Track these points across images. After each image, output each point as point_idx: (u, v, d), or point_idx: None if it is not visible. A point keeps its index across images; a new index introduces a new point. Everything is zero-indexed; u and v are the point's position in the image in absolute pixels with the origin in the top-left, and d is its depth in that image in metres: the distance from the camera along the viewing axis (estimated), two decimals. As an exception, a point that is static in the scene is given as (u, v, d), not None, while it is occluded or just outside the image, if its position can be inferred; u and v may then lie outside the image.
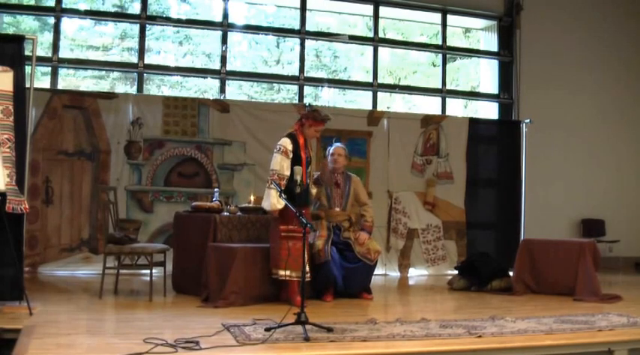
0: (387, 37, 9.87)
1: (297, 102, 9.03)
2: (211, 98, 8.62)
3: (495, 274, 6.92)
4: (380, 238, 8.26)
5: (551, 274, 6.66)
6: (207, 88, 9.28)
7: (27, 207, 4.85)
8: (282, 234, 5.51)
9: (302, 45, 9.21)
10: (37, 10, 8.55)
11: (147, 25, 8.59)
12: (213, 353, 3.63)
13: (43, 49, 8.21)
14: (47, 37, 8.40)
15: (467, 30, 10.65)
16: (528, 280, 6.78)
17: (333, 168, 6.24)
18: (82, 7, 8.52)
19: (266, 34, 9.38)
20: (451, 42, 10.07)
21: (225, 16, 8.81)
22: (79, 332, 4.14)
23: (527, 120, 8.94)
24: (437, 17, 9.91)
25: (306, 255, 4.54)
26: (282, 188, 5.24)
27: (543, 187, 9.57)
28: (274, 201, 5.41)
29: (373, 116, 8.88)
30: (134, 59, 8.56)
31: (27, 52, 5.48)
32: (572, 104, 10.04)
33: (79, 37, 8.75)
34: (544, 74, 9.93)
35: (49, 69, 8.18)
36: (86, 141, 7.72)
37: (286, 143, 5.57)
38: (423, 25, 10.34)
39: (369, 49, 9.66)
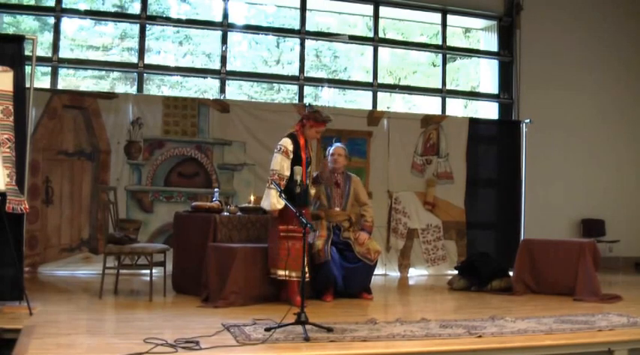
0: (387, 37, 9.87)
1: (297, 102, 9.03)
2: (211, 98, 8.62)
3: (495, 274, 6.92)
4: (380, 238, 8.26)
5: (551, 274, 6.66)
6: (207, 88, 9.29)
7: (27, 207, 4.85)
8: (281, 234, 5.51)
9: (302, 45, 9.21)
10: (37, 10, 8.55)
11: (147, 25, 8.59)
12: (213, 353, 3.63)
13: (43, 49, 8.21)
14: (47, 37, 8.40)
15: (467, 30, 10.65)
16: (528, 280, 6.78)
17: (333, 168, 6.24)
18: (82, 7, 8.52)
19: (266, 34, 9.38)
20: (451, 42, 10.07)
21: (225, 16, 8.81)
22: (79, 332, 4.14)
23: (527, 120, 8.95)
24: (437, 17, 9.91)
25: (305, 255, 4.55)
26: (282, 188, 5.24)
27: (543, 187, 9.57)
28: (274, 200, 5.41)
29: (373, 116, 8.88)
30: (134, 59, 8.56)
31: (27, 52, 5.49)
32: (572, 104, 10.04)
33: (79, 37, 8.75)
34: (544, 74, 9.93)
35: (49, 69, 8.18)
36: (86, 141, 7.72)
37: (287, 143, 5.57)
38: (423, 25, 10.34)
39: (369, 49, 9.66)
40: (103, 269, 5.76)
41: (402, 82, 10.28)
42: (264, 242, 5.79)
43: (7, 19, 8.51)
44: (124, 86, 8.95)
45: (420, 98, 10.19)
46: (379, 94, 9.62)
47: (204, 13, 9.09)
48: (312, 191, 5.96)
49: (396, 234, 8.70)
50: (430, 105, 10.01)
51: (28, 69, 5.41)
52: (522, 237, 8.39)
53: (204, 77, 9.16)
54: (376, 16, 9.56)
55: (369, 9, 9.59)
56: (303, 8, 9.17)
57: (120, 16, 8.74)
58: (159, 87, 9.12)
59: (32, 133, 6.07)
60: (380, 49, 9.61)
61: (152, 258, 5.73)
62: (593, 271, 6.44)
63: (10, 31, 8.44)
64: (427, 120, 9.12)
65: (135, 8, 8.67)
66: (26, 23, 8.75)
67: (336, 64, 10.15)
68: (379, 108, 9.41)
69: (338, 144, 6.35)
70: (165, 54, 9.07)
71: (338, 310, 5.39)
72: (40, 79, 8.04)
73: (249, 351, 3.76)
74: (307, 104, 8.47)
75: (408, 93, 10.16)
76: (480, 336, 4.21)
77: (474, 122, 9.36)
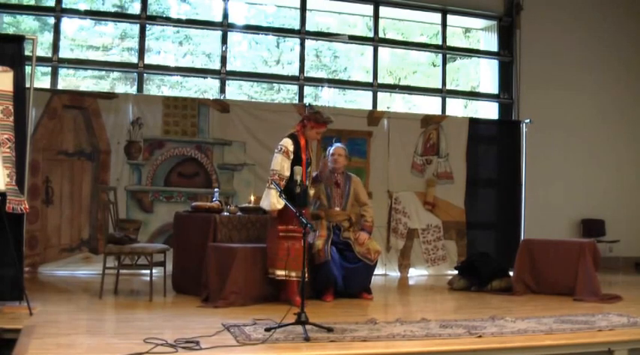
0: (387, 37, 9.87)
1: (297, 102, 9.03)
2: (211, 98, 8.62)
3: (495, 274, 6.92)
4: (380, 238, 8.25)
5: (551, 274, 6.66)
6: (207, 88, 9.29)
7: (27, 207, 4.85)
8: (280, 234, 5.51)
9: (302, 45, 9.21)
10: (37, 10, 8.55)
11: (147, 25, 8.59)
12: (213, 353, 3.63)
13: (43, 49, 8.21)
14: (47, 37, 8.40)
15: (467, 30, 10.65)
16: (528, 280, 6.78)
17: (333, 168, 6.24)
18: (82, 7, 8.52)
19: (266, 34, 9.38)
20: (451, 42, 10.07)
21: (225, 16, 8.81)
22: (79, 332, 4.14)
23: (527, 120, 8.95)
24: (437, 17, 9.91)
25: (305, 255, 4.55)
26: (282, 188, 5.24)
27: (543, 187, 9.56)
28: (274, 200, 5.41)
29: (373, 116, 8.88)
30: (134, 59, 8.56)
31: (27, 52, 5.48)
32: (572, 104, 10.04)
33: (79, 37, 8.75)
34: (544, 74, 9.93)
35: (49, 69, 8.18)
36: (86, 141, 7.72)
37: (287, 144, 5.57)
38: (423, 25, 10.34)
39: (369, 49, 9.66)
40: (103, 269, 5.76)
41: (402, 82, 10.28)
42: (264, 242, 5.78)
43: (7, 19, 8.51)
44: (124, 86, 8.95)
45: (420, 98, 10.19)
46: (379, 94, 9.62)
47: (204, 13, 9.09)
48: (311, 191, 5.96)
49: (396, 234, 8.70)
50: (430, 105, 10.01)
51: (28, 69, 5.41)
52: (522, 237, 8.40)
53: (204, 77, 9.16)
54: (376, 16, 9.56)
55: (369, 9, 9.58)
56: (303, 8, 9.17)
57: (120, 16, 8.74)
58: (159, 87, 9.12)
59: (32, 133, 6.07)
60: (380, 49, 9.61)
61: (152, 258, 5.73)
62: (593, 271, 6.44)
63: (10, 31, 8.44)
64: (427, 120, 9.12)
65: (135, 8, 8.67)
66: (26, 23, 8.75)
67: (336, 64, 10.15)
68: (379, 108, 9.41)
69: (338, 145, 6.35)
70: (166, 54, 9.07)
71: (338, 310, 5.39)
72: (40, 79, 8.04)
73: (249, 351, 3.76)
74: (307, 104, 8.48)
75: (408, 93, 10.16)
76: (480, 336, 4.21)
77: (473, 122, 9.36)
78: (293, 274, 5.47)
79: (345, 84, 9.91)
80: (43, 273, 7.28)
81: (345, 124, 8.32)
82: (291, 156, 5.54)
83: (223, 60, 8.80)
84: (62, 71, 8.42)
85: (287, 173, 5.50)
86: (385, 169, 8.79)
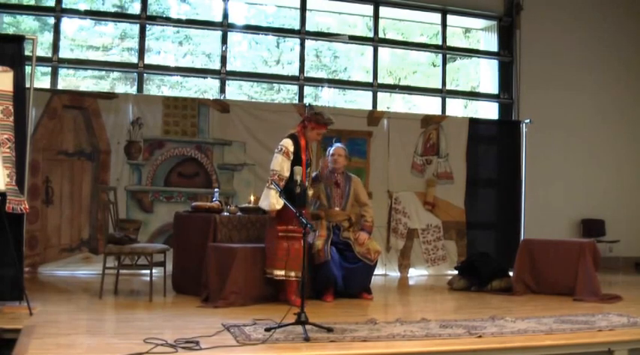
0: (387, 37, 9.87)
1: (297, 102, 9.03)
2: (211, 98, 8.62)
3: (495, 274, 6.92)
4: (380, 238, 8.25)
5: (551, 274, 6.66)
6: (207, 88, 9.29)
7: (27, 207, 4.85)
8: (279, 234, 5.51)
9: (302, 45, 9.21)
10: (37, 10, 8.55)
11: (147, 25, 8.59)
12: (213, 353, 3.63)
13: (43, 49, 8.21)
14: (47, 37, 8.40)
15: (467, 30, 10.65)
16: (528, 280, 6.78)
17: (333, 168, 6.25)
18: (82, 7, 8.52)
19: (266, 34, 9.38)
20: (451, 42, 10.07)
21: (225, 16, 8.81)
22: (79, 332, 4.14)
23: (527, 120, 8.95)
24: (437, 17, 9.91)
25: (305, 255, 4.55)
26: (282, 188, 5.23)
27: (543, 187, 9.57)
28: (273, 201, 5.41)
29: (373, 116, 8.87)
30: (134, 59, 8.56)
31: (27, 52, 5.49)
32: (572, 104, 10.04)
33: (79, 37, 8.75)
34: (544, 74, 9.94)
35: (49, 69, 8.18)
36: (86, 141, 7.72)
37: (288, 144, 5.57)
38: (423, 25, 10.34)
39: (369, 49, 9.66)
40: (103, 269, 5.76)
41: (402, 82, 10.28)
42: (264, 242, 5.78)
43: (7, 19, 8.51)
44: (124, 86, 8.95)
45: (420, 98, 10.19)
46: (379, 94, 9.63)
47: (204, 13, 9.10)
48: (310, 192, 5.95)
49: (396, 234, 8.70)
50: (430, 106, 10.01)
51: (28, 69, 5.41)
52: (522, 237, 8.39)
53: (204, 77, 9.17)
54: (376, 16, 9.56)
55: (369, 9, 9.59)
56: (303, 8, 9.17)
57: (120, 16, 8.74)
58: (159, 87, 9.12)
59: (32, 133, 6.08)
60: (380, 49, 9.61)
61: (152, 258, 5.73)
62: (593, 271, 6.44)
63: (10, 31, 8.44)
64: (427, 120, 9.12)
65: (135, 8, 8.67)
66: (26, 23, 8.75)
67: (336, 64, 10.15)
68: (379, 108, 9.41)
69: (338, 145, 6.35)
70: (166, 54, 9.07)
71: (338, 310, 5.39)
72: (40, 79, 8.04)
73: (249, 351, 3.76)
74: (307, 104, 8.48)
75: (408, 94, 10.16)
76: (480, 336, 4.21)
77: (473, 122, 9.36)
78: (292, 274, 5.47)
79: (345, 84, 9.91)
80: (43, 273, 7.28)
81: (345, 124, 8.32)
82: (292, 157, 5.54)
83: (223, 60, 8.80)
84: (62, 71, 8.42)
85: (287, 173, 5.50)
86: (385, 169, 8.79)
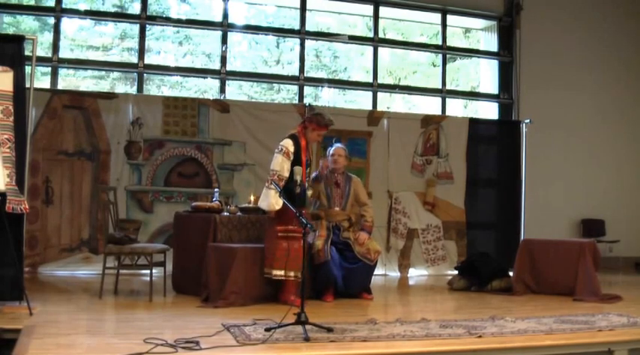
0: (387, 37, 9.87)
1: (297, 102, 9.03)
2: (211, 98, 8.63)
3: (495, 274, 6.92)
4: (380, 238, 8.25)
5: (551, 274, 6.66)
6: (207, 88, 9.29)
7: (27, 207, 4.85)
8: (279, 234, 5.51)
9: (302, 45, 9.21)
10: (37, 10, 8.55)
11: (147, 25, 8.59)
12: (213, 353, 3.63)
13: (43, 49, 8.21)
14: (47, 37, 8.40)
15: (467, 30, 10.65)
16: (528, 280, 6.78)
17: (333, 168, 6.25)
18: (82, 7, 8.52)
19: (266, 34, 9.38)
20: (451, 42, 10.07)
21: (225, 16, 8.81)
22: (79, 332, 4.14)
23: (527, 120, 8.95)
24: (437, 17, 9.92)
25: (305, 255, 4.55)
26: (281, 188, 5.23)
27: (543, 187, 9.57)
28: (273, 201, 5.41)
29: (373, 116, 8.87)
30: (134, 59, 8.56)
31: (27, 52, 5.49)
32: (572, 104, 10.04)
33: (79, 37, 8.75)
34: (544, 74, 9.94)
35: (49, 69, 8.18)
36: (86, 141, 7.72)
37: (288, 144, 5.57)
38: (423, 25, 10.34)
39: (369, 49, 9.66)
40: (103, 269, 5.76)
41: (402, 82, 10.28)
42: (264, 242, 5.78)
43: (7, 19, 8.51)
44: (124, 86, 8.95)
45: (420, 98, 10.19)
46: (379, 94, 9.63)
47: (204, 13, 9.10)
48: (309, 192, 5.95)
49: (396, 234, 8.70)
50: (430, 106, 10.01)
51: (28, 69, 5.41)
52: (522, 237, 8.39)
53: (204, 77, 9.17)
54: (376, 16, 9.56)
55: (369, 9, 9.59)
56: (303, 8, 9.18)
57: (120, 16, 8.74)
58: (159, 87, 9.12)
59: (32, 133, 6.08)
60: (380, 49, 9.61)
61: (152, 258, 5.73)
62: (593, 271, 6.44)
63: (10, 31, 8.44)
64: (427, 120, 9.12)
65: (135, 8, 8.67)
66: (26, 23, 8.75)
67: (336, 64, 10.15)
68: (379, 108, 9.41)
69: (338, 145, 6.35)
70: (166, 54, 9.07)
71: (338, 310, 5.39)
72: (40, 79, 8.04)
73: (249, 351, 3.76)
74: (307, 104, 8.49)
75: (408, 94, 10.16)
76: (480, 336, 4.21)
77: (473, 122, 9.36)
78: (292, 274, 5.47)
79: (345, 84, 9.92)
80: (43, 273, 7.28)
81: (345, 124, 8.32)
82: (292, 157, 5.54)
83: (223, 60, 8.80)
84: (62, 71, 8.42)
85: (287, 174, 5.50)
86: (385, 169, 8.79)
